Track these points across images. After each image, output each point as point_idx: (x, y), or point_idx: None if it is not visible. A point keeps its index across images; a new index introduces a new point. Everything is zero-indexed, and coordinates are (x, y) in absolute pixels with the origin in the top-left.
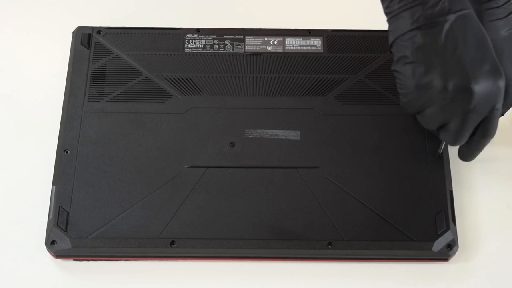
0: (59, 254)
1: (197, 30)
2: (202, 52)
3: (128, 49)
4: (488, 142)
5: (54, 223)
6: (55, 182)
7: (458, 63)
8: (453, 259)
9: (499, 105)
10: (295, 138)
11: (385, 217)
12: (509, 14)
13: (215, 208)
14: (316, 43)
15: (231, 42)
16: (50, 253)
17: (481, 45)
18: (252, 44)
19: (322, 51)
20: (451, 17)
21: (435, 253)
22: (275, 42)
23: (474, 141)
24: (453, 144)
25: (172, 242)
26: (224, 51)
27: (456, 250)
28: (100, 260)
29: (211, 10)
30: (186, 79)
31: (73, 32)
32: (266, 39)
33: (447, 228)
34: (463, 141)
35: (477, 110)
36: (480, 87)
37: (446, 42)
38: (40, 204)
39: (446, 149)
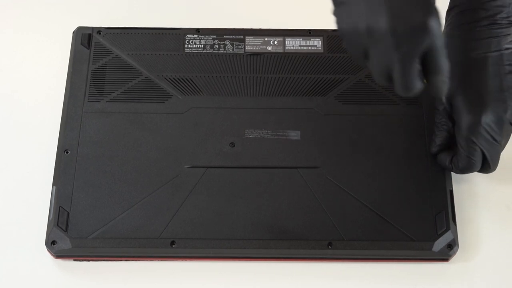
0: (59, 254)
1: (197, 30)
2: (202, 52)
3: (128, 49)
4: (443, 79)
5: (54, 223)
6: (55, 182)
7: (382, 4)
8: (453, 259)
9: (438, 42)
10: (295, 138)
11: (385, 217)
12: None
13: (215, 208)
14: (316, 43)
15: (231, 42)
16: (50, 253)
17: None
18: (252, 44)
19: (322, 51)
20: None
21: (435, 253)
22: (275, 42)
23: (431, 81)
24: (404, 92)
25: (172, 242)
26: (224, 51)
27: (457, 250)
28: (100, 260)
29: (211, 10)
30: (186, 79)
31: (73, 32)
32: (266, 39)
33: (447, 228)
34: (410, 87)
35: (405, 51)
36: (402, 26)
37: None
38: (40, 204)
39: None
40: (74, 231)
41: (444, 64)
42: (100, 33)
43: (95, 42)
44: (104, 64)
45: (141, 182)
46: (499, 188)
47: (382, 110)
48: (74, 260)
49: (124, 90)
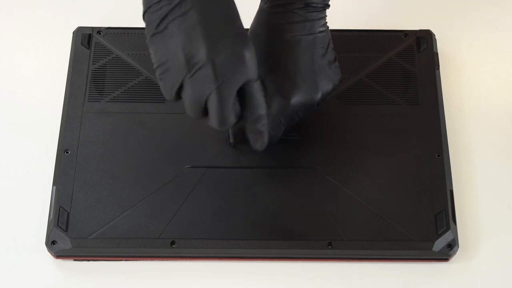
0: (59, 254)
1: None
2: None
3: (128, 49)
4: (260, 116)
5: (54, 223)
6: (55, 182)
7: (198, 35)
8: (453, 259)
9: (253, 76)
10: (295, 138)
11: (385, 217)
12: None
13: (215, 208)
14: None
15: None
16: (51, 253)
17: (225, 16)
18: None
19: None
20: None
21: (435, 253)
22: None
23: (247, 119)
24: (220, 126)
25: (172, 242)
26: None
27: (457, 250)
28: (100, 260)
29: None
30: None
31: (73, 32)
32: None
33: (448, 228)
34: (228, 121)
35: (225, 81)
36: (221, 58)
37: (187, 13)
38: (40, 204)
39: (446, 149)
40: (74, 231)
41: (260, 97)
42: (100, 33)
43: (95, 42)
44: (104, 64)
45: (141, 182)
46: (499, 188)
47: (382, 110)
48: (74, 260)
49: (124, 90)
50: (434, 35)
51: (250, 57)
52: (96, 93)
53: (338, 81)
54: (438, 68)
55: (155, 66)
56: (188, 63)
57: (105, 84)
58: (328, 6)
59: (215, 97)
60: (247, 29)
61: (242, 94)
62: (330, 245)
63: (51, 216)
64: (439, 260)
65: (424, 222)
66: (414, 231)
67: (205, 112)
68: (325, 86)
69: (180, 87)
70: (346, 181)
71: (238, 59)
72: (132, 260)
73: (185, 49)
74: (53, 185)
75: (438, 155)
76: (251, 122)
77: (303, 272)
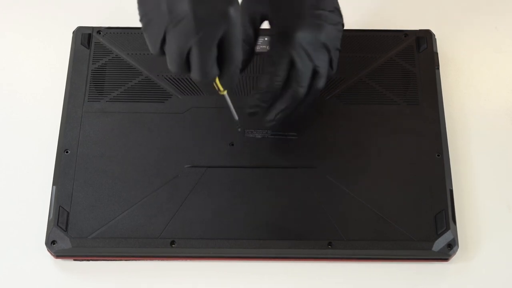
0: (59, 254)
1: None
2: None
3: (128, 49)
4: (235, 69)
5: (54, 223)
6: (55, 182)
7: None
8: (453, 259)
9: (236, 30)
10: (295, 138)
11: (385, 217)
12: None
13: (215, 208)
14: None
15: None
16: (50, 253)
17: None
18: None
19: None
20: None
21: (435, 253)
22: None
23: (223, 70)
24: (201, 78)
25: (172, 242)
26: None
27: (457, 250)
28: (100, 260)
29: None
30: (186, 79)
31: (73, 32)
32: (266, 39)
33: (447, 228)
34: (209, 73)
35: (206, 34)
36: (203, 10)
37: None
38: (40, 204)
39: (446, 149)
40: (74, 231)
41: (238, 54)
42: (100, 33)
43: (95, 42)
44: (104, 64)
45: (141, 182)
46: (499, 188)
47: (382, 110)
48: (74, 260)
49: (124, 90)
50: (434, 35)
51: (234, 13)
52: (96, 93)
53: (341, 25)
54: (438, 68)
55: (140, 17)
56: (170, 13)
57: (105, 84)
58: None
59: (196, 50)
60: None
61: (222, 47)
62: (330, 245)
63: (51, 216)
64: (439, 260)
65: (424, 222)
66: (414, 231)
67: (187, 66)
68: (328, 27)
69: (163, 40)
70: (346, 181)
71: (220, 13)
72: (132, 260)
73: (168, 0)
74: (53, 185)
75: (438, 155)
76: (225, 73)
77: (303, 272)
